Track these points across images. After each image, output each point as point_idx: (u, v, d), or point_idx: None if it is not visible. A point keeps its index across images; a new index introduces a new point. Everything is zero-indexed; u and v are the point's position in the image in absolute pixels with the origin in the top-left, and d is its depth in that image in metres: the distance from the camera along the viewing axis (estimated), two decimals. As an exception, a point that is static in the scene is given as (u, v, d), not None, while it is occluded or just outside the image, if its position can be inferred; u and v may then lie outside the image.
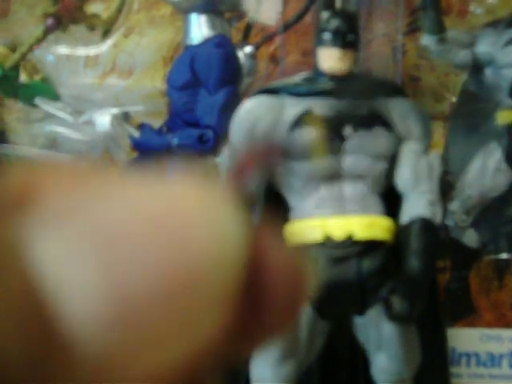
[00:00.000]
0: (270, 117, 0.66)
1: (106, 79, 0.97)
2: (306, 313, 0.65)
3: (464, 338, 0.82)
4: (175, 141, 0.80)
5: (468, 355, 0.83)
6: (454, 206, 0.86)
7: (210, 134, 0.79)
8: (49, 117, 0.83)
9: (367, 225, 0.65)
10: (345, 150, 0.65)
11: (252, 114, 0.67)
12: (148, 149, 0.83)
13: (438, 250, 0.72)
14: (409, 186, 0.66)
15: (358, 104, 0.66)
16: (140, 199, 0.12)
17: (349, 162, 0.65)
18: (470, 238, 0.86)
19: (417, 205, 0.65)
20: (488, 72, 0.87)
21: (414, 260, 0.63)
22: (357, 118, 0.65)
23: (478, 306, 0.88)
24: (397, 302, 0.62)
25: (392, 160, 0.67)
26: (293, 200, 0.67)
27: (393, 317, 0.62)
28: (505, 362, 0.83)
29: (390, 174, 0.67)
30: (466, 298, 0.87)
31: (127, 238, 0.12)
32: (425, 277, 0.63)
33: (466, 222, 0.86)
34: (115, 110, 0.82)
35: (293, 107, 0.66)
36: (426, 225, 0.65)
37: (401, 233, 0.65)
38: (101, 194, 0.12)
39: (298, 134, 0.65)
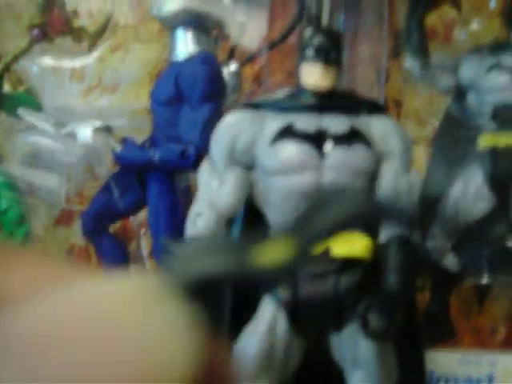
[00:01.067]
0: (251, 131, 0.66)
1: (91, 94, 0.97)
2: (282, 329, 0.64)
3: (443, 362, 0.82)
4: (157, 156, 0.80)
5: (447, 379, 0.82)
6: (435, 229, 0.86)
7: (191, 149, 0.78)
8: (31, 128, 0.83)
9: (346, 242, 0.64)
10: (324, 167, 0.65)
11: (233, 128, 0.67)
12: (130, 163, 0.82)
13: (416, 268, 0.71)
14: (388, 204, 0.66)
15: (339, 120, 0.66)
16: (84, 301, 0.11)
17: (328, 178, 0.65)
18: (450, 262, 0.86)
19: (395, 223, 0.65)
20: (471, 97, 0.87)
21: (392, 277, 0.62)
22: (337, 135, 0.65)
23: (458, 329, 0.88)
24: (374, 319, 0.61)
25: (371, 177, 0.66)
26: (272, 216, 0.66)
27: (369, 333, 0.62)
28: (483, 387, 0.82)
29: (369, 191, 0.67)
30: (446, 321, 0.87)
31: (58, 342, 0.11)
32: (402, 294, 0.63)
33: (446, 245, 0.86)
34: (98, 123, 0.81)
35: (274, 122, 0.66)
36: (404, 243, 0.64)
37: (379, 250, 0.65)
38: (46, 293, 0.11)
39: (278, 148, 0.65)
